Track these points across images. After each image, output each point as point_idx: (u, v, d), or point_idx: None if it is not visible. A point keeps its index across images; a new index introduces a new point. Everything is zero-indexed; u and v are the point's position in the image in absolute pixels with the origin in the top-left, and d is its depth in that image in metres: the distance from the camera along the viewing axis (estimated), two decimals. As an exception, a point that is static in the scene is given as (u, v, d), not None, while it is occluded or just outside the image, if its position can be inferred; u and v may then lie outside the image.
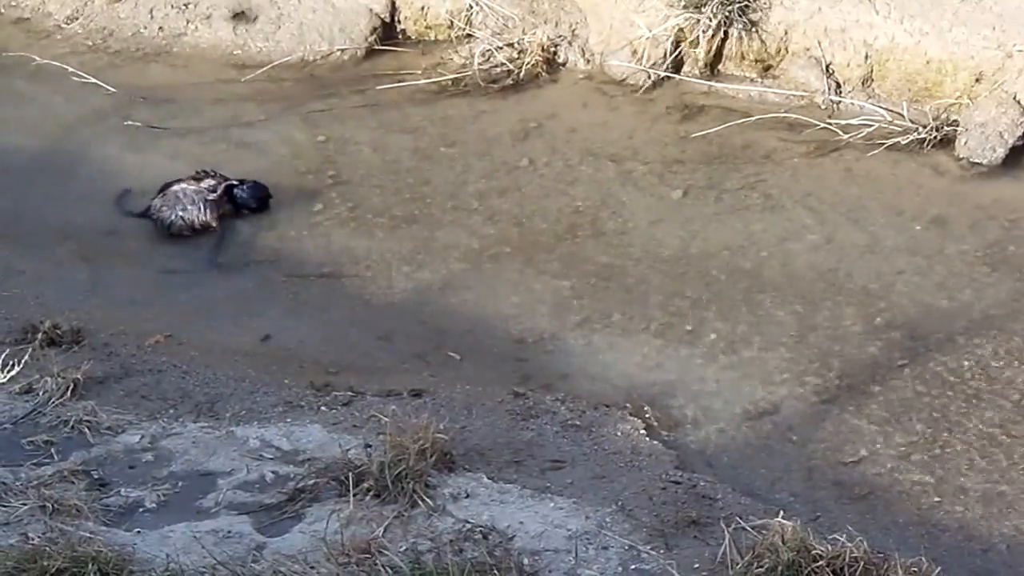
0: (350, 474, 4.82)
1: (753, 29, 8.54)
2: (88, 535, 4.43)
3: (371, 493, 4.77)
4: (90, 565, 4.20)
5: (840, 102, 8.32)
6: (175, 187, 7.46)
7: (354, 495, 4.74)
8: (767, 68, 8.59)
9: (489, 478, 5.04)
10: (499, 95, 8.67)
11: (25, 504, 4.62)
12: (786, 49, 8.57)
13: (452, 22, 9.11)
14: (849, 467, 5.61)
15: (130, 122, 8.33)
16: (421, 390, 5.89)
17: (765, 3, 8.49)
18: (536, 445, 5.43)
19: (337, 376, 6.08)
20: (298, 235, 7.39)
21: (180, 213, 7.37)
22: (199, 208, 7.38)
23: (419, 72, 8.86)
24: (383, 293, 6.91)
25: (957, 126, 7.92)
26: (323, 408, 5.66)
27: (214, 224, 7.41)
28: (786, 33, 8.51)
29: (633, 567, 4.49)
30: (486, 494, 4.92)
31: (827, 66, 8.40)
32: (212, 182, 7.50)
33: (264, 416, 5.53)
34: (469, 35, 9.06)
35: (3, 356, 4.99)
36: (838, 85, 8.38)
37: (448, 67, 8.90)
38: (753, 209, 7.48)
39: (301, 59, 9.05)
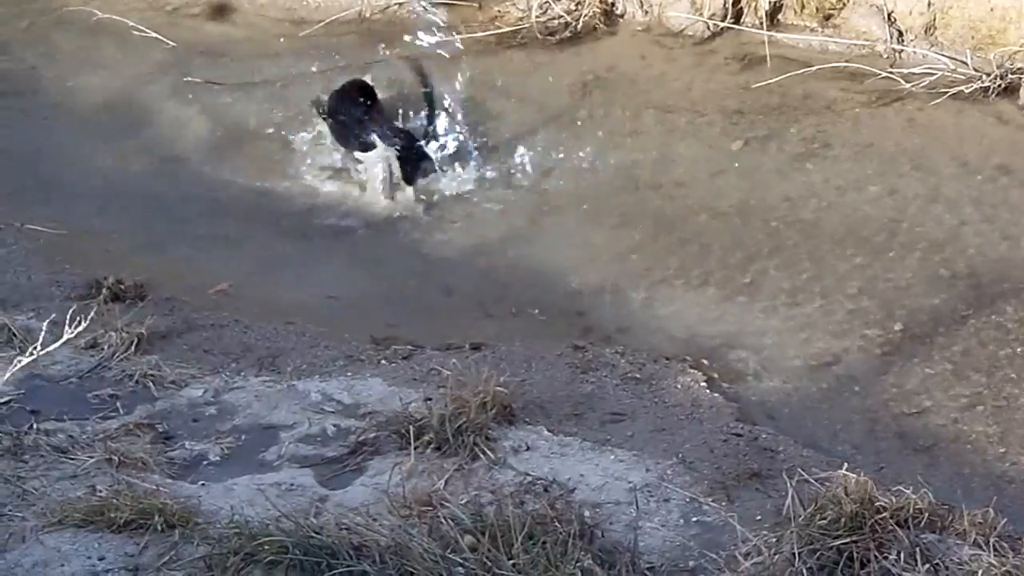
0: (411, 427, 4.83)
1: (814, -23, 8.46)
2: (154, 487, 4.48)
3: (432, 446, 4.79)
4: (156, 517, 4.25)
5: (902, 51, 8.22)
6: None
7: (415, 448, 4.75)
8: (828, 17, 8.49)
9: (549, 431, 5.04)
10: (557, 47, 8.63)
11: (92, 457, 4.67)
12: (847, -3, 8.48)
13: (509, -26, 9.08)
14: (913, 418, 5.57)
15: (189, 78, 8.36)
16: (481, 343, 5.88)
17: (826, -50, 8.41)
18: (596, 398, 5.43)
19: (397, 330, 6.10)
20: (358, 188, 7.41)
21: None
22: None
23: (476, 25, 8.83)
24: (442, 247, 6.92)
25: (1022, 74, 7.80)
26: (383, 362, 5.67)
27: None
28: (847, -19, 8.42)
29: (695, 519, 4.49)
30: (546, 447, 4.92)
31: (889, 14, 8.29)
32: None
33: (325, 370, 5.55)
34: (526, -13, 9.02)
35: (69, 311, 5.05)
36: (900, 34, 8.28)
37: (505, 20, 8.86)
38: (814, 160, 7.42)
39: (359, 13, 9.04)
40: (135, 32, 8.75)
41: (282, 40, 8.83)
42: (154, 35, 8.72)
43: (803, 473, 4.54)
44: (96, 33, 8.86)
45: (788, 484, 4.46)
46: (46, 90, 8.38)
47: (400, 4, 9.04)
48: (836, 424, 5.54)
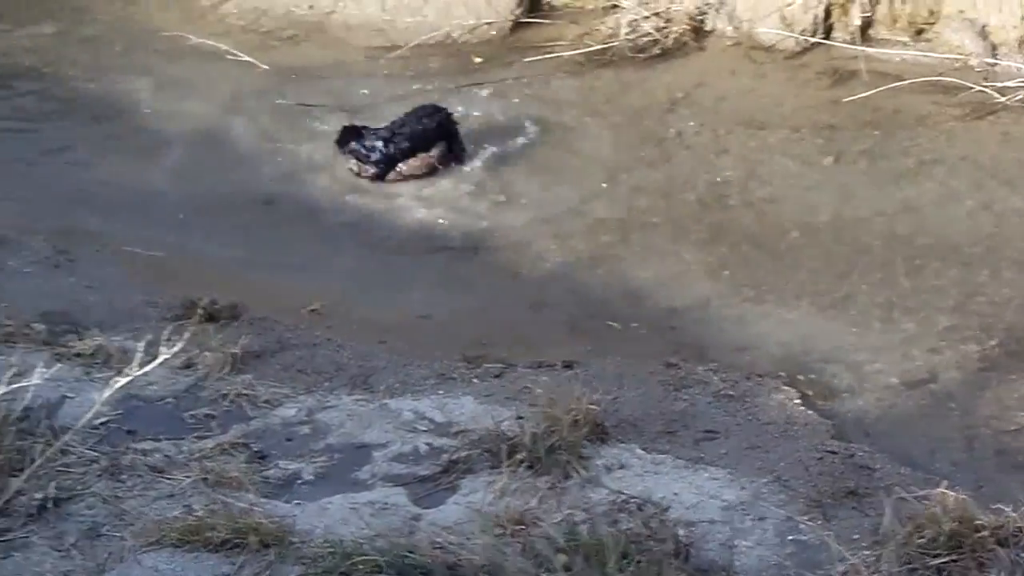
0: (503, 446, 4.83)
1: (905, -8, 8.39)
2: (249, 507, 4.51)
3: (524, 464, 4.78)
4: (251, 536, 4.28)
5: (996, 64, 8.13)
6: None
7: (508, 467, 4.75)
8: (919, 32, 8.43)
9: (642, 449, 5.01)
10: (646, 65, 8.63)
11: (188, 476, 4.71)
12: (939, 11, 8.40)
13: (598, -8, 9.09)
14: (1012, 435, 5.48)
15: (282, 100, 8.45)
16: (573, 361, 5.87)
17: (917, -34, 8.34)
18: (689, 415, 5.40)
19: (488, 348, 6.10)
20: (449, 208, 7.45)
21: None
22: None
23: (565, 43, 8.85)
24: (533, 265, 6.92)
25: (1118, 87, 7.70)
26: (475, 380, 5.67)
27: None
28: (939, -5, 8.35)
29: (791, 538, 4.44)
30: (640, 465, 4.90)
31: (982, 28, 8.20)
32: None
33: (417, 388, 5.57)
34: (615, 5, 9.02)
35: (165, 332, 5.10)
36: (994, 47, 8.19)
37: (594, 37, 8.87)
38: (907, 174, 7.35)
39: (447, 34, 9.09)
40: (229, 56, 8.85)
41: (373, 62, 8.90)
42: (247, 59, 8.82)
43: (900, 491, 4.49)
44: (191, 57, 8.98)
45: (885, 502, 4.40)
46: (141, 114, 8.49)
47: (489, 23, 9.09)
48: (933, 441, 5.47)
